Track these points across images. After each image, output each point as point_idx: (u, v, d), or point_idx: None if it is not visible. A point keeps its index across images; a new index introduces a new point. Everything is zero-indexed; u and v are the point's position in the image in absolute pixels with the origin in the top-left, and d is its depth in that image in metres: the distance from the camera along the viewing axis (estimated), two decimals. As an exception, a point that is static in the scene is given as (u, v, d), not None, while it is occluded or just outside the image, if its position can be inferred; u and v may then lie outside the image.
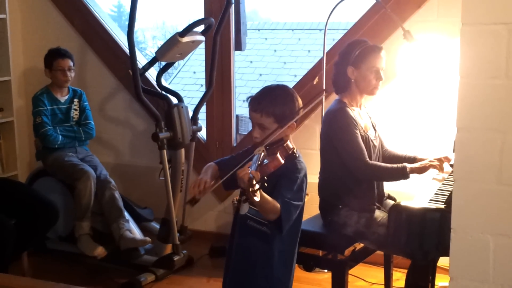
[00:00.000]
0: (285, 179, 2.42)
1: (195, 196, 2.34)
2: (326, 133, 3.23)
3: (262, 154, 2.32)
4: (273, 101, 2.44)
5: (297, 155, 2.51)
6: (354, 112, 3.19)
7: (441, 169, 3.20)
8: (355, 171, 3.12)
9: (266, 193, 2.27)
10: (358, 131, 3.12)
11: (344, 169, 3.15)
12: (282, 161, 2.33)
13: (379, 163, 3.19)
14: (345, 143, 3.11)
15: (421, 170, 3.14)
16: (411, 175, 3.12)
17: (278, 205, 2.35)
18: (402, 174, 3.09)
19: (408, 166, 3.09)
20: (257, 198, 2.15)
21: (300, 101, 2.51)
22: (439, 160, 3.23)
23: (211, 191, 4.49)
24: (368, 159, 3.11)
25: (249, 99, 2.52)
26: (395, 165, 3.13)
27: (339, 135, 3.14)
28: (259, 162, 2.27)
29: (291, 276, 2.64)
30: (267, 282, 2.54)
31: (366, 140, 3.18)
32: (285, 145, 2.43)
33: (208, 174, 2.49)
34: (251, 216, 2.51)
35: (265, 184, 2.19)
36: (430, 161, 3.19)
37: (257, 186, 2.13)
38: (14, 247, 3.54)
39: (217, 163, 2.61)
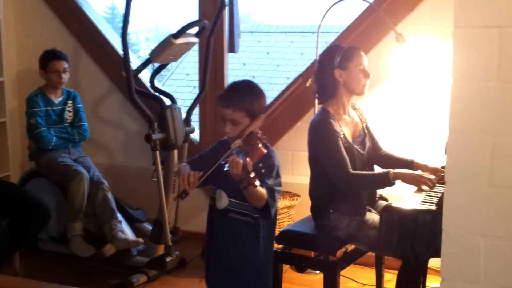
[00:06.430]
0: (264, 168, 2.50)
1: (185, 189, 2.45)
2: (311, 143, 3.22)
3: (240, 146, 2.46)
4: (243, 96, 2.55)
5: (268, 145, 2.61)
6: (341, 121, 3.16)
7: (432, 186, 2.97)
8: (339, 183, 3.08)
9: None
10: (340, 141, 3.07)
11: None
12: (265, 151, 2.43)
13: (362, 172, 3.14)
14: (327, 155, 3.09)
15: (406, 178, 2.99)
16: (397, 182, 3.00)
17: (265, 192, 2.46)
18: (385, 180, 3.01)
19: (392, 171, 3.00)
20: (258, 182, 2.30)
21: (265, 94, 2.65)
22: (435, 171, 3.15)
23: (204, 194, 4.56)
24: (350, 169, 3.04)
25: (218, 97, 2.60)
26: (377, 172, 3.10)
27: (321, 148, 3.12)
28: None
29: (271, 266, 2.78)
30: (255, 270, 2.65)
31: (350, 149, 3.13)
32: (259, 135, 2.53)
33: (189, 170, 2.56)
34: (232, 209, 2.61)
35: (262, 170, 2.34)
36: (422, 175, 2.98)
37: (253, 174, 2.27)
38: (6, 248, 3.54)
39: (188, 163, 2.69)
